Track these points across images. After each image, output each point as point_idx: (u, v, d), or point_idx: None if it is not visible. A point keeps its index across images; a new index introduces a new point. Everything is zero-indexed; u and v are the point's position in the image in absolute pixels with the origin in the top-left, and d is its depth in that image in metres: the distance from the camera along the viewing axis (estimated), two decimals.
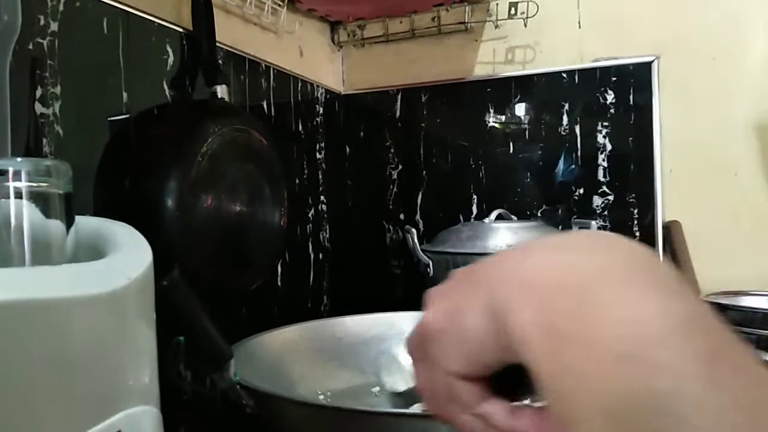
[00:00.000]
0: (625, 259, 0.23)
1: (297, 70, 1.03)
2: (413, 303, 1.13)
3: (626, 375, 0.19)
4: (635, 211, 1.02)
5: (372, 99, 1.20)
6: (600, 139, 1.04)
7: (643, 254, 0.23)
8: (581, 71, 1.05)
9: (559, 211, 1.06)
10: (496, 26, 1.07)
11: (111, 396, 0.30)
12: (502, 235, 0.88)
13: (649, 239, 1.01)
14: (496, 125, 1.11)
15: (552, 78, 1.07)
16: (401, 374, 0.64)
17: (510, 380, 0.45)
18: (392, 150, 1.18)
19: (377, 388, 0.71)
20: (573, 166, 1.05)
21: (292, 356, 0.69)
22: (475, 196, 1.12)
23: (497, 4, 1.05)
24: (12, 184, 0.32)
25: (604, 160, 1.03)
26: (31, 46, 0.54)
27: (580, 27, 1.05)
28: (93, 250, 0.36)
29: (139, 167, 0.62)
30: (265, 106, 0.93)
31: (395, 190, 1.18)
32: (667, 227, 1.01)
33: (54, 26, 0.56)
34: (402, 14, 1.13)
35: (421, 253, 0.91)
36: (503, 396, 0.48)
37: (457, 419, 0.28)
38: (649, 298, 0.21)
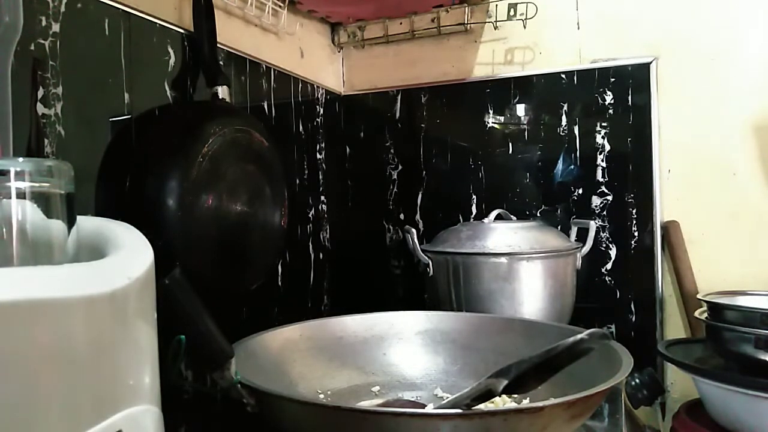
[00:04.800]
0: None
1: (297, 71, 1.03)
2: (413, 303, 1.13)
3: None
4: (634, 211, 1.02)
5: (372, 100, 1.20)
6: (599, 139, 1.04)
7: None
8: (580, 72, 1.05)
9: (558, 211, 1.06)
10: (496, 27, 1.07)
11: (112, 395, 0.30)
12: (502, 234, 0.88)
13: (647, 239, 1.01)
14: (496, 126, 1.11)
15: (551, 79, 1.07)
16: None
17: (511, 381, 0.46)
18: (392, 150, 1.18)
19: (377, 388, 0.71)
20: (572, 167, 1.06)
21: (293, 355, 0.69)
22: (474, 196, 1.12)
23: (497, 5, 1.05)
24: (14, 184, 0.32)
25: (602, 161, 1.04)
26: (32, 47, 0.54)
27: (578, 28, 1.06)
28: (94, 250, 0.36)
29: (140, 167, 0.62)
30: (265, 106, 0.93)
31: (395, 190, 1.18)
32: (665, 227, 1.01)
33: (56, 27, 0.56)
34: (402, 15, 1.13)
35: (421, 252, 0.92)
36: (505, 394, 0.49)
37: None
38: None
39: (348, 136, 1.21)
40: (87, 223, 0.38)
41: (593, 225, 0.95)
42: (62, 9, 0.57)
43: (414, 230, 0.94)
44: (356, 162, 1.21)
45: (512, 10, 1.03)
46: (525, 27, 1.03)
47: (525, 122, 1.09)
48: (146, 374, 0.34)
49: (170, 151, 0.63)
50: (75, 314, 0.28)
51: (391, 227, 1.18)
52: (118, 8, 0.64)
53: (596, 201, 1.04)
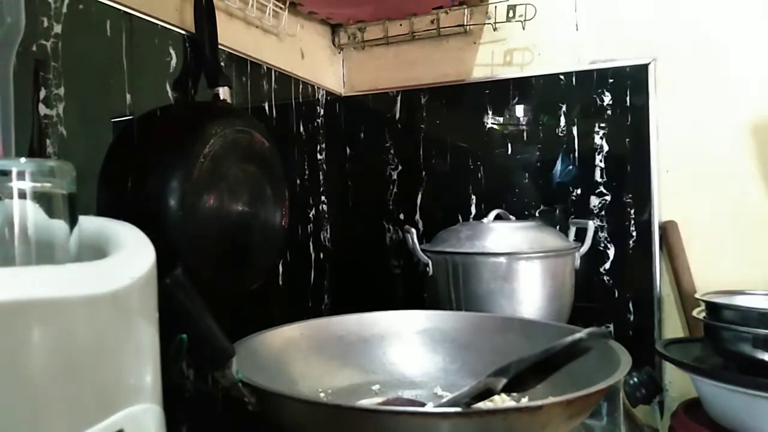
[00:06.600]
0: None
1: (298, 72, 1.03)
2: (413, 302, 1.14)
3: None
4: (632, 211, 1.02)
5: (372, 100, 1.20)
6: (597, 140, 1.04)
7: None
8: (578, 73, 1.05)
9: (557, 212, 1.07)
10: (495, 29, 1.07)
11: (113, 394, 0.30)
12: (501, 234, 0.88)
13: (645, 239, 1.01)
14: (495, 126, 1.11)
15: (550, 80, 1.07)
16: None
17: (510, 379, 0.46)
18: (392, 151, 1.19)
19: (377, 386, 0.71)
20: (570, 167, 1.06)
21: (294, 354, 0.69)
22: (473, 197, 1.12)
23: (496, 6, 1.06)
24: (16, 184, 0.32)
25: (601, 161, 1.04)
26: (34, 48, 0.54)
27: (577, 29, 1.06)
28: (96, 250, 0.36)
29: (142, 168, 0.62)
30: (266, 107, 0.93)
31: (395, 190, 1.18)
32: (663, 227, 1.01)
33: (57, 28, 0.57)
34: (402, 17, 1.13)
35: (421, 252, 0.92)
36: (504, 393, 0.49)
37: None
38: None
39: (348, 136, 1.21)
40: (89, 223, 0.38)
41: (592, 225, 0.95)
42: (64, 10, 0.57)
43: (414, 230, 0.94)
44: (356, 162, 1.21)
45: (511, 11, 1.03)
46: (524, 28, 1.04)
47: (524, 123, 1.09)
48: (148, 373, 0.34)
49: (172, 151, 0.63)
50: (77, 314, 0.28)
51: (391, 227, 1.19)
52: (120, 9, 0.64)
53: (595, 201, 1.04)
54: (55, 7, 0.57)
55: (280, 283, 0.95)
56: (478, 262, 0.87)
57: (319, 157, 1.10)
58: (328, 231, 1.13)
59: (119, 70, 0.64)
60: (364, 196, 1.21)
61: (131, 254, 0.35)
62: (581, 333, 0.46)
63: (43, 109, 0.55)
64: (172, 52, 0.72)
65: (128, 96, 0.65)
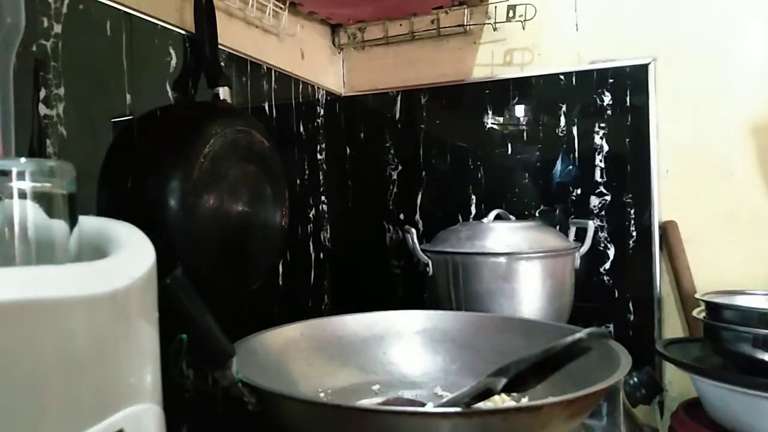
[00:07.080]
0: None
1: (298, 72, 1.03)
2: (413, 302, 1.14)
3: None
4: (632, 211, 1.02)
5: (372, 100, 1.20)
6: (597, 140, 1.04)
7: None
8: (578, 73, 1.05)
9: (557, 212, 1.07)
10: (495, 29, 1.07)
11: (113, 394, 0.30)
12: (501, 234, 0.88)
13: (645, 239, 1.01)
14: (495, 126, 1.11)
15: (550, 80, 1.07)
16: None
17: (510, 379, 0.46)
18: (392, 151, 1.19)
19: (377, 386, 0.71)
20: (570, 167, 1.06)
21: (294, 354, 0.69)
22: (473, 197, 1.12)
23: (496, 6, 1.06)
24: (16, 185, 0.32)
25: (601, 161, 1.04)
26: (34, 48, 0.55)
27: (577, 29, 1.06)
28: (96, 250, 0.36)
29: (141, 168, 0.62)
30: (266, 107, 0.93)
31: (395, 190, 1.18)
32: (663, 227, 1.01)
33: (57, 28, 0.57)
34: (402, 17, 1.13)
35: (421, 252, 0.92)
36: (504, 393, 0.49)
37: None
38: None
39: (348, 136, 1.21)
40: (89, 223, 0.38)
41: (592, 225, 0.95)
42: (64, 10, 0.57)
43: (414, 230, 0.94)
44: (356, 162, 1.22)
45: (511, 11, 1.03)
46: (524, 28, 1.04)
47: (524, 123, 1.09)
48: (148, 373, 0.34)
49: (172, 151, 0.63)
50: (77, 314, 0.28)
51: (391, 227, 1.19)
52: (120, 9, 0.64)
53: (595, 201, 1.04)
54: (55, 7, 0.57)
55: (280, 283, 0.95)
56: (478, 262, 0.87)
57: (319, 157, 1.10)
58: (328, 231, 1.13)
59: (119, 70, 0.64)
60: (364, 196, 1.21)
61: (131, 254, 0.35)
62: (581, 333, 0.46)
63: (43, 109, 0.55)
64: (172, 52, 0.72)
65: (128, 96, 0.65)
